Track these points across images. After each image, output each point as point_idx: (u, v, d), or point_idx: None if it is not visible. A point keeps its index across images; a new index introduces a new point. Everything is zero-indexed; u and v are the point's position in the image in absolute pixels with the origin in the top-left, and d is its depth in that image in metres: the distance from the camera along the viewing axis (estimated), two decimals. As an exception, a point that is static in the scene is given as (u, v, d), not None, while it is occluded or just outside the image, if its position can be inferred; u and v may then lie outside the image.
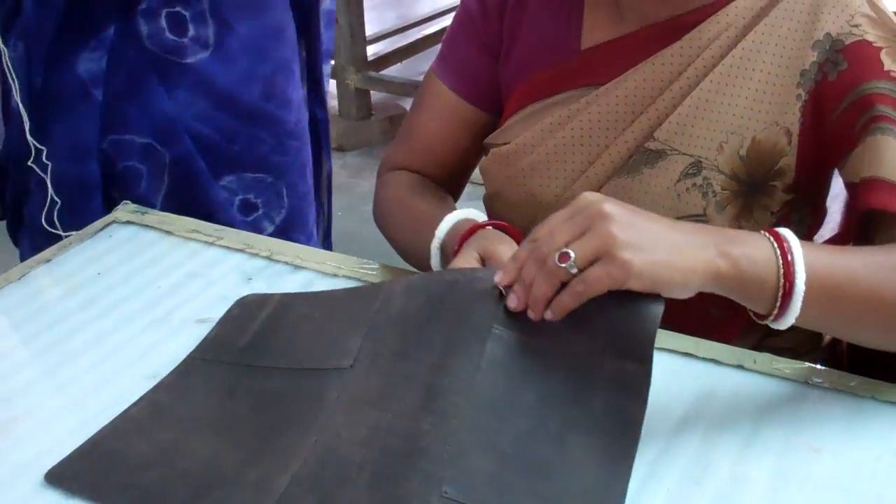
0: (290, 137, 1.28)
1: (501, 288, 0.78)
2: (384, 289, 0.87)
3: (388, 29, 4.25)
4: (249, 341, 0.88)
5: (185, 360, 0.89)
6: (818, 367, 0.88)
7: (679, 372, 0.88)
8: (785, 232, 0.79)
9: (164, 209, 1.21)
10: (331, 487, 0.71)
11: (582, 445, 0.72)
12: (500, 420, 0.73)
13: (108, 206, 1.21)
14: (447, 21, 4.14)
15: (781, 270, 0.76)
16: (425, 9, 4.83)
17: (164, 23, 1.13)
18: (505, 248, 0.86)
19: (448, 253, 0.94)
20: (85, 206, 1.22)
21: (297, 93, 1.29)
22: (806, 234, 1.00)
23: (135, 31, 1.12)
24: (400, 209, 1.10)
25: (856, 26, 0.93)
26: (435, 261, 0.97)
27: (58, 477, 0.76)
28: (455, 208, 1.05)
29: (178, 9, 1.13)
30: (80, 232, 1.13)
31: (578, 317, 0.75)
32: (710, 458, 0.78)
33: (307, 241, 1.34)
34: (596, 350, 0.75)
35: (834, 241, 1.02)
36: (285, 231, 1.31)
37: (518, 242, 0.90)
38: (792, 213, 0.98)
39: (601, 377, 0.75)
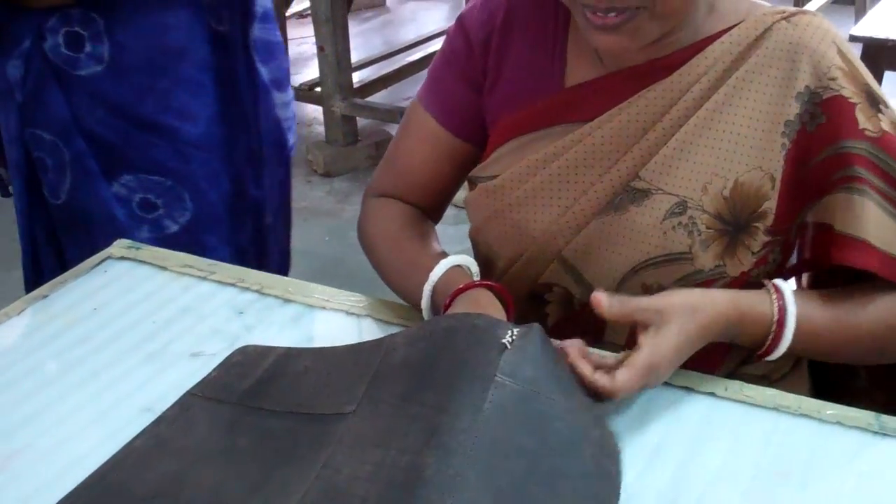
0: (194, 147, 1.42)
1: (507, 342, 0.84)
2: (386, 343, 0.91)
3: (374, 56, 4.30)
4: (251, 386, 0.92)
5: (184, 396, 0.92)
6: (787, 394, 0.93)
7: (655, 399, 0.91)
8: (783, 286, 0.95)
9: (69, 200, 1.39)
10: None
11: (571, 490, 0.77)
12: (499, 460, 0.77)
13: (34, 187, 1.40)
14: (431, 47, 4.21)
15: (775, 322, 0.94)
16: (410, 35, 4.90)
17: (61, 39, 1.31)
18: (495, 314, 0.93)
19: (438, 300, 0.99)
20: (16, 181, 1.43)
21: (210, 108, 1.42)
22: (776, 269, 1.05)
23: (41, 45, 1.32)
24: (390, 246, 1.13)
25: (832, 79, 0.98)
26: (426, 303, 1.01)
27: None
28: (441, 248, 1.09)
29: (76, 28, 1.31)
30: (75, 268, 1.16)
31: (574, 380, 0.86)
32: (683, 484, 0.82)
33: (217, 245, 1.46)
34: (585, 409, 0.84)
35: (800, 268, 1.08)
36: (192, 232, 1.44)
37: (507, 302, 0.97)
38: (770, 254, 1.03)
39: (589, 434, 0.82)
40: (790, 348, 0.95)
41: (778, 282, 0.96)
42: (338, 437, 0.82)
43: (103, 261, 1.18)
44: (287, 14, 3.96)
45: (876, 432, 0.88)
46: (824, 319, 0.97)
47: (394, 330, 1.03)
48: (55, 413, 0.94)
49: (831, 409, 0.91)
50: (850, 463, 0.85)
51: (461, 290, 0.97)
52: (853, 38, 2.58)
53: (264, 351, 0.97)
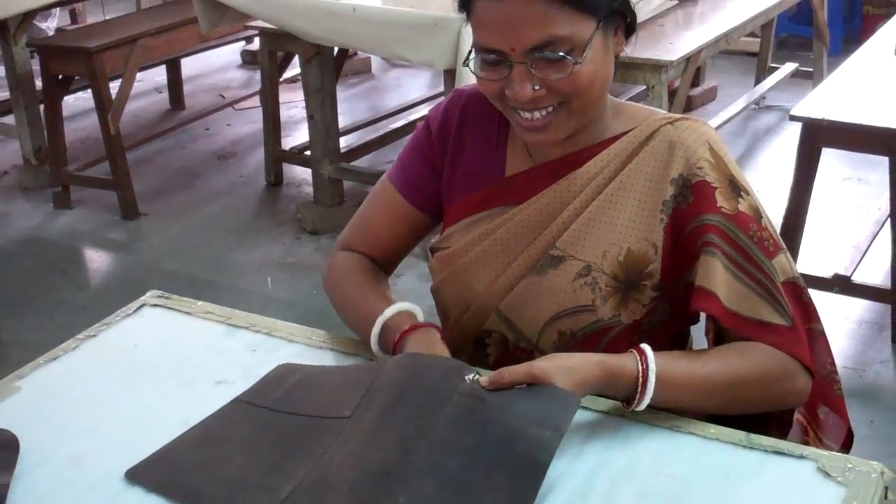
0: None
1: (468, 379, 1.12)
2: (380, 366, 1.19)
3: (360, 121, 4.61)
4: (282, 394, 1.20)
5: (233, 400, 1.21)
6: (679, 417, 1.19)
7: (581, 419, 1.17)
8: (647, 349, 1.16)
9: None
10: (321, 494, 1.02)
11: (501, 479, 1.03)
12: (446, 458, 1.04)
13: None
14: (413, 115, 4.52)
15: (640, 379, 1.15)
16: (393, 101, 5.21)
17: None
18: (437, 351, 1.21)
19: (386, 335, 1.26)
20: None
21: None
22: (668, 319, 1.32)
23: None
24: (347, 286, 1.39)
25: (700, 168, 1.26)
26: (375, 336, 1.27)
27: (134, 475, 1.10)
28: (391, 295, 1.37)
29: None
30: (117, 312, 1.43)
31: (518, 396, 1.10)
32: (595, 480, 1.08)
33: None
34: (526, 419, 1.08)
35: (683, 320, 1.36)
36: None
37: (444, 340, 1.25)
38: (658, 306, 1.30)
39: (525, 436, 1.06)
40: (655, 400, 1.15)
41: (643, 346, 1.17)
42: (335, 435, 1.10)
43: (140, 307, 1.45)
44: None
45: (745, 446, 1.14)
46: (683, 375, 1.18)
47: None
48: (108, 425, 1.20)
49: (713, 428, 1.17)
50: (724, 469, 1.11)
51: (412, 329, 1.24)
52: (793, 118, 2.84)
53: (295, 368, 1.26)
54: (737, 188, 1.27)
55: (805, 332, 1.28)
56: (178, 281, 3.35)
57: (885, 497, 1.08)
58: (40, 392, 1.26)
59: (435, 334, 1.25)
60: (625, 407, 1.18)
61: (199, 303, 1.45)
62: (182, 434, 1.16)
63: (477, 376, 1.13)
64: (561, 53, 1.17)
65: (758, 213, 1.27)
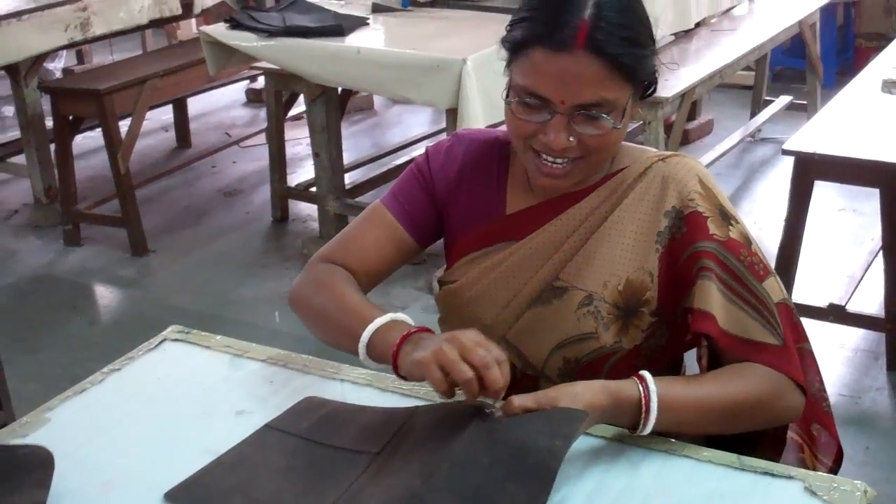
0: None
1: (488, 410, 1.20)
2: (413, 411, 1.27)
3: (363, 157, 4.70)
4: (311, 424, 1.28)
5: (263, 427, 1.28)
6: (674, 440, 1.26)
7: (583, 443, 1.24)
8: (647, 375, 1.22)
9: None
10: None
11: (515, 488, 1.09)
12: (465, 475, 1.11)
13: None
14: (415, 151, 4.60)
15: (643, 404, 1.21)
16: (396, 137, 5.31)
17: None
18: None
19: (376, 340, 1.28)
20: None
21: None
22: (667, 343, 1.40)
23: None
24: (328, 293, 1.39)
25: (691, 200, 1.34)
26: (363, 345, 1.29)
27: (172, 496, 1.17)
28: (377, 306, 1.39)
29: None
30: (140, 347, 1.51)
31: (529, 417, 1.17)
32: (596, 498, 1.15)
33: None
34: (536, 432, 1.15)
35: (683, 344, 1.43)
36: None
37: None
38: (656, 331, 1.37)
39: (536, 447, 1.13)
40: (659, 424, 1.21)
41: (643, 372, 1.23)
42: (363, 468, 1.18)
43: (162, 342, 1.52)
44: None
45: (737, 468, 1.21)
46: (683, 398, 1.24)
47: (388, 395, 1.37)
48: (136, 453, 1.27)
49: (706, 451, 1.24)
50: (717, 490, 1.18)
51: (410, 334, 1.27)
52: (785, 152, 2.92)
53: (324, 402, 1.33)
54: (727, 217, 1.35)
55: (797, 352, 1.36)
56: (188, 316, 3.42)
57: (869, 513, 1.15)
58: (70, 423, 1.33)
59: (436, 335, 1.28)
60: (631, 433, 1.24)
61: (218, 337, 1.53)
62: (216, 458, 1.23)
63: (493, 407, 1.22)
64: (602, 114, 1.27)
65: (747, 240, 1.35)
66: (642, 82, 1.32)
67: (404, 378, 1.27)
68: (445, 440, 1.17)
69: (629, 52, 1.26)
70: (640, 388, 1.22)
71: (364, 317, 1.32)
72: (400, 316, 1.33)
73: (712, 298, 1.30)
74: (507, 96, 1.32)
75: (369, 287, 1.49)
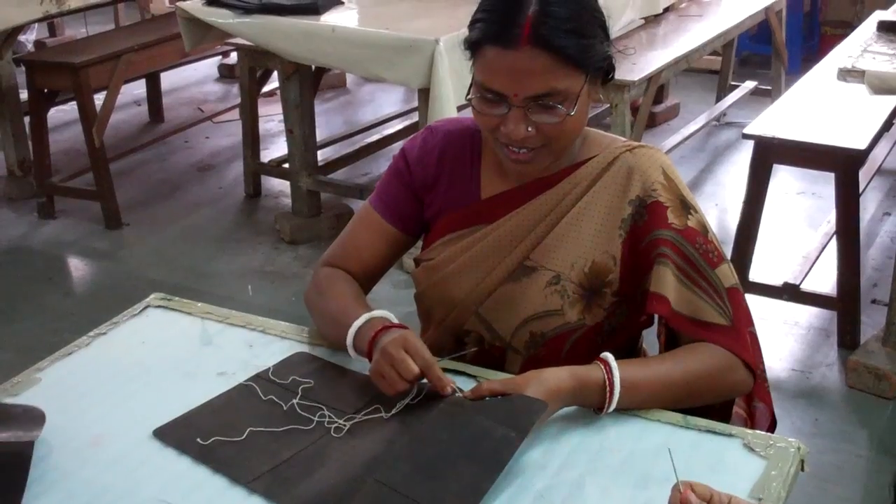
0: None
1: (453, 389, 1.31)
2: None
3: (336, 135, 4.76)
4: (298, 377, 1.39)
5: (253, 376, 1.40)
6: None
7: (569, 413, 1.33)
8: (610, 359, 1.32)
9: None
10: (313, 465, 1.21)
11: (466, 468, 1.19)
12: (423, 448, 1.22)
13: None
14: (387, 129, 4.68)
15: (607, 385, 1.30)
16: (368, 115, 5.37)
17: None
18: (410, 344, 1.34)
19: (362, 332, 1.40)
20: None
21: None
22: (626, 322, 1.49)
23: None
24: (328, 296, 1.52)
25: (654, 190, 1.44)
26: (350, 338, 1.41)
27: (159, 433, 1.30)
28: (367, 303, 1.50)
29: None
30: (124, 312, 1.58)
31: (493, 403, 1.27)
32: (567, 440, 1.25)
33: None
34: (496, 420, 1.24)
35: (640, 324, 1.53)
36: None
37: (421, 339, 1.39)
38: (617, 310, 1.47)
39: (493, 435, 1.23)
40: (622, 403, 1.31)
41: (605, 356, 1.33)
42: (335, 425, 1.29)
43: (145, 308, 1.60)
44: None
45: (682, 426, 1.31)
46: (644, 378, 1.34)
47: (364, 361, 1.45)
48: (122, 412, 1.35)
49: (655, 412, 1.34)
50: (664, 443, 1.27)
51: (384, 329, 1.38)
52: (745, 136, 3.03)
53: (313, 358, 1.46)
54: (687, 206, 1.44)
55: (747, 334, 1.45)
56: (162, 288, 3.37)
57: (802, 469, 1.25)
58: (59, 383, 1.41)
59: (408, 331, 1.38)
60: (597, 413, 1.32)
61: (199, 304, 1.60)
62: (207, 401, 1.35)
63: (459, 393, 1.32)
64: (556, 104, 1.34)
65: (704, 228, 1.45)
66: (596, 69, 1.39)
67: None
68: (413, 415, 1.29)
69: (575, 42, 1.33)
70: (604, 371, 1.32)
71: (350, 318, 1.43)
72: (377, 313, 1.43)
73: (667, 282, 1.40)
74: (469, 94, 1.40)
75: (371, 282, 1.61)
